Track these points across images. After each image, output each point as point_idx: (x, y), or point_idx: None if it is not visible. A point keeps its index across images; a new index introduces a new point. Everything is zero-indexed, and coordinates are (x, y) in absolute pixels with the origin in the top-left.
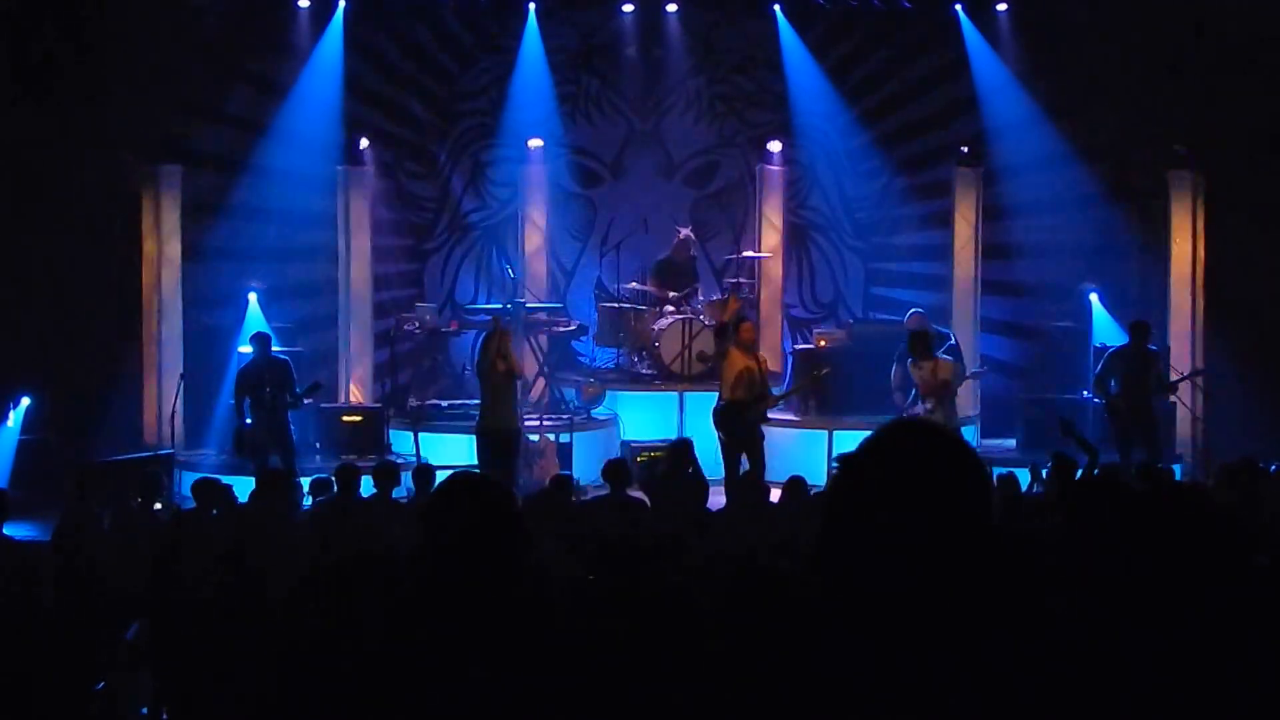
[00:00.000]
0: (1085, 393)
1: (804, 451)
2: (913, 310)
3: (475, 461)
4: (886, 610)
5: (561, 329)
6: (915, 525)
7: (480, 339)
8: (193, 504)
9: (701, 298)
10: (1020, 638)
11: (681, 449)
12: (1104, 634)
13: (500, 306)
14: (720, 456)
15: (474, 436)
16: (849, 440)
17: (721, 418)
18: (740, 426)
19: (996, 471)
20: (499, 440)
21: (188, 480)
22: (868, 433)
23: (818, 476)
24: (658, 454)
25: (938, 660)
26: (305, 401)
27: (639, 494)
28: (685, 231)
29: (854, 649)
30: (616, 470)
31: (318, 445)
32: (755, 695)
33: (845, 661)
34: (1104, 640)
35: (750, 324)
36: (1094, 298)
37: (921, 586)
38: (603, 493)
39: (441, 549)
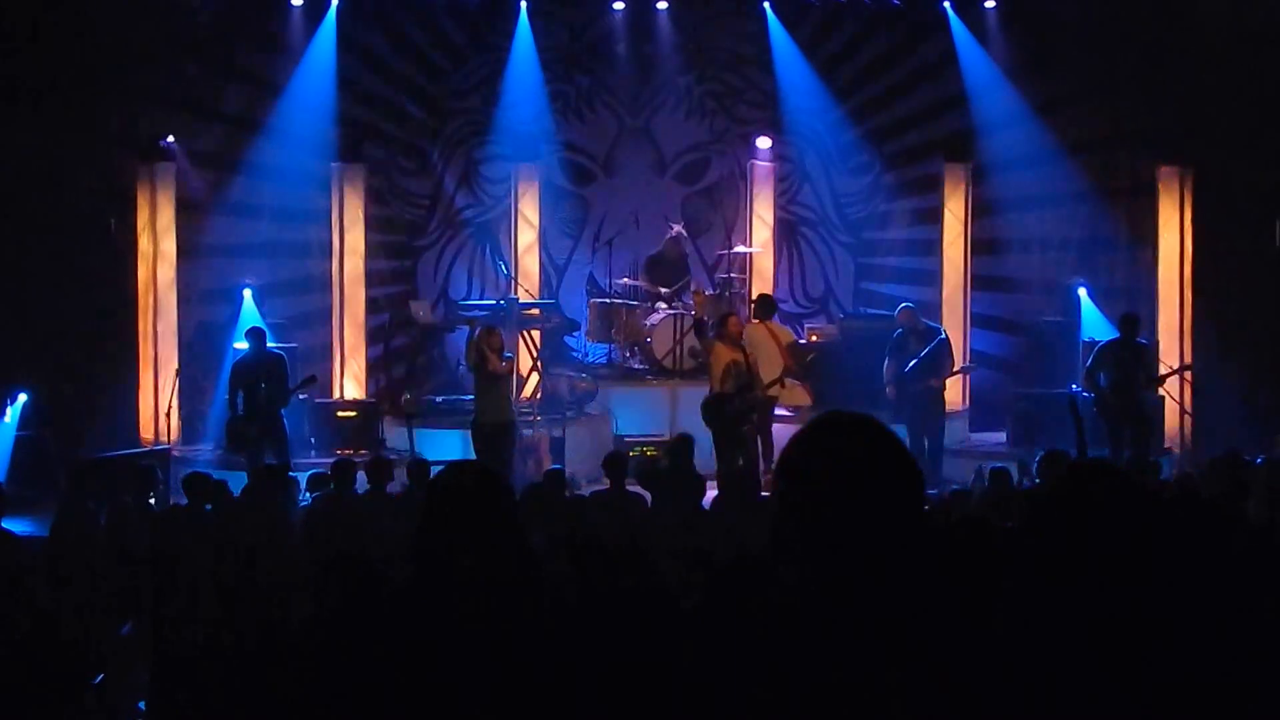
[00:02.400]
0: (1074, 386)
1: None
2: (903, 305)
3: (472, 456)
4: (840, 604)
5: (554, 325)
6: (860, 518)
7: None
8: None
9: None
10: (985, 629)
11: (682, 445)
12: (1096, 628)
13: (493, 303)
14: (713, 451)
15: (469, 431)
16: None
17: (709, 411)
18: (727, 419)
19: (990, 466)
20: (491, 433)
21: (184, 475)
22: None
23: None
24: (650, 449)
25: (905, 653)
26: (300, 397)
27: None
28: (677, 229)
29: (840, 643)
30: (616, 464)
31: (312, 440)
32: (749, 694)
33: (834, 656)
34: (1094, 633)
35: (736, 318)
36: (1082, 292)
37: (870, 579)
38: (602, 487)
39: (438, 533)
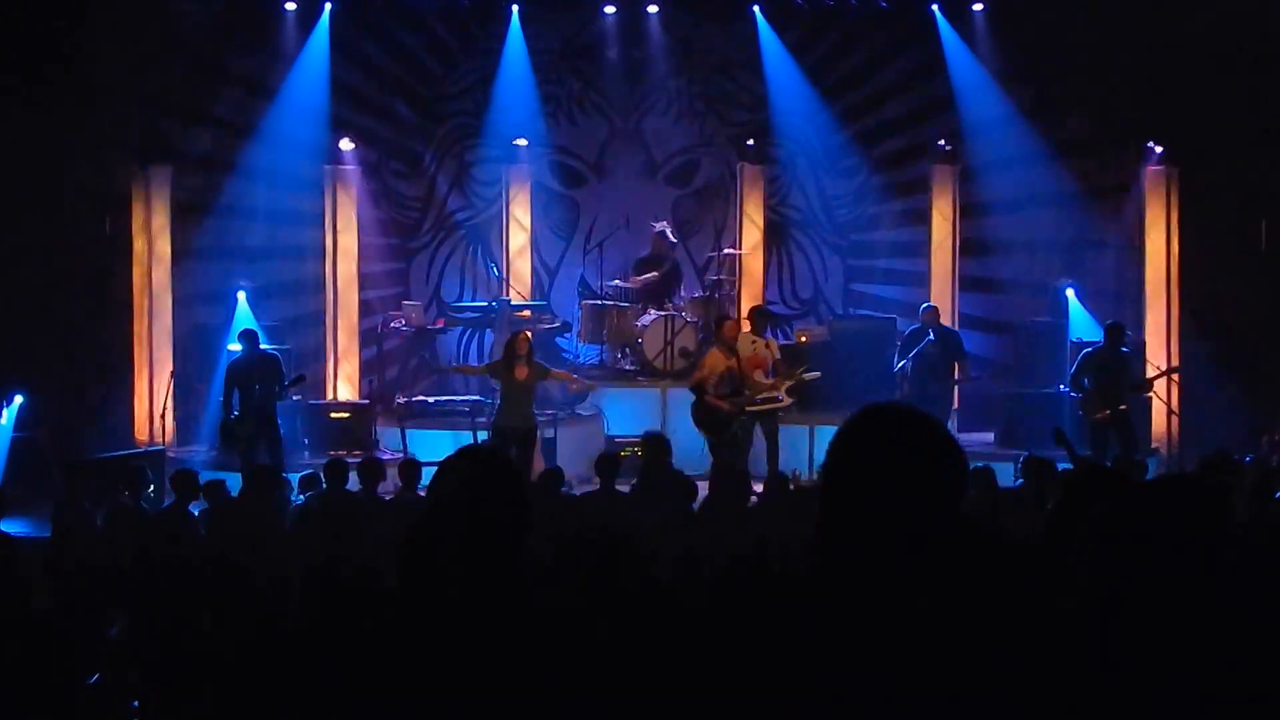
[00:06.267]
0: (1062, 387)
1: (786, 447)
2: (927, 305)
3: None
4: (885, 598)
5: (546, 326)
6: (912, 512)
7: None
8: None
9: (684, 294)
10: (1011, 629)
11: (655, 444)
12: (1091, 627)
13: (485, 304)
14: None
15: (488, 432)
16: (830, 436)
17: (696, 414)
18: (717, 422)
19: (973, 465)
20: (512, 437)
21: None
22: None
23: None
24: (640, 450)
25: (936, 655)
26: (294, 397)
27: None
28: (661, 225)
29: (849, 646)
30: (608, 465)
31: (305, 441)
32: (742, 693)
33: (840, 660)
34: (1091, 634)
35: (733, 321)
36: (1070, 293)
37: (918, 573)
38: (593, 488)
39: (447, 509)
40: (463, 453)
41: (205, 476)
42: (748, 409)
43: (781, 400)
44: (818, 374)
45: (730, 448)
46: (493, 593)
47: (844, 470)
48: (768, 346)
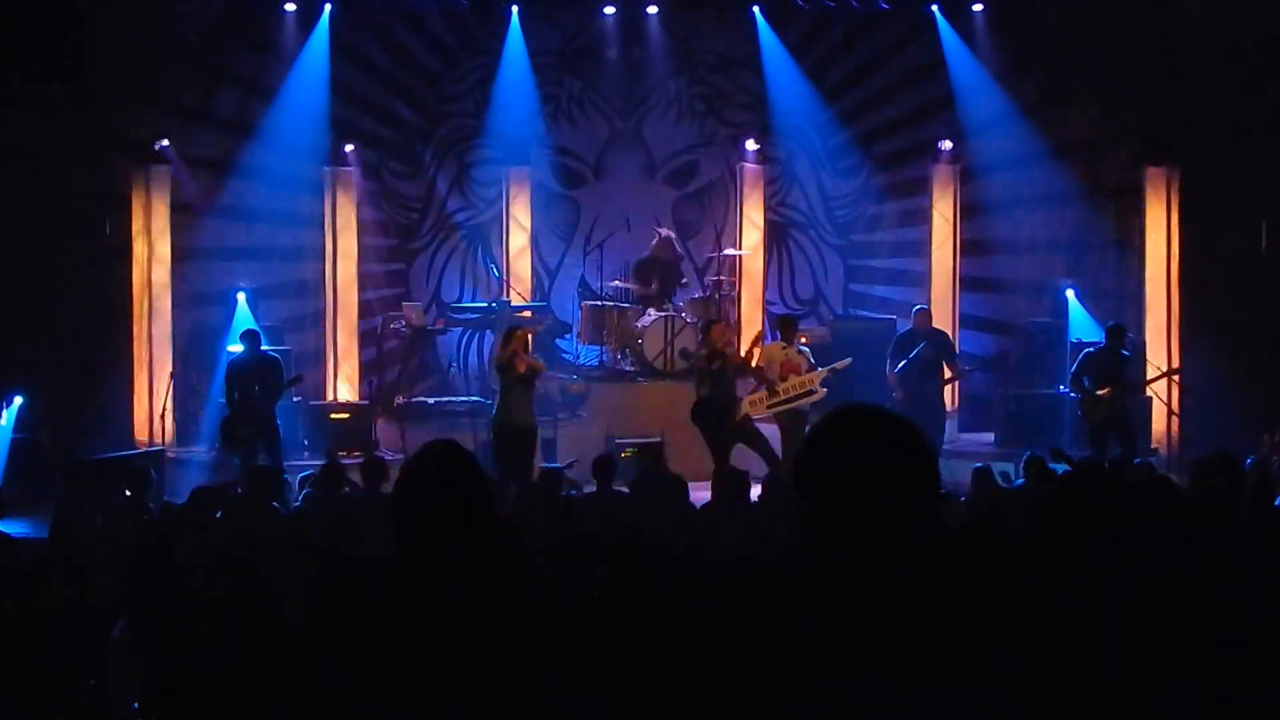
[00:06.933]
0: (1062, 387)
1: None
2: (919, 307)
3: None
4: (886, 598)
5: (546, 327)
6: (913, 512)
7: (499, 336)
8: (180, 500)
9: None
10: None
11: (652, 448)
12: (1090, 623)
13: (486, 305)
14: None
15: (490, 433)
16: None
17: (695, 415)
18: (716, 420)
19: (974, 465)
20: (513, 437)
21: (178, 477)
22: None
23: None
24: (640, 451)
25: (935, 655)
26: (295, 399)
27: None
28: (665, 231)
29: (843, 644)
30: (604, 466)
31: (305, 442)
32: (746, 694)
33: (837, 658)
34: (1089, 627)
35: (720, 325)
36: (1070, 294)
37: (918, 573)
38: (590, 489)
39: (414, 506)
40: (424, 451)
41: (205, 477)
42: (780, 408)
43: (816, 393)
44: (849, 360)
45: (762, 449)
46: (491, 591)
47: (839, 471)
48: (799, 354)
